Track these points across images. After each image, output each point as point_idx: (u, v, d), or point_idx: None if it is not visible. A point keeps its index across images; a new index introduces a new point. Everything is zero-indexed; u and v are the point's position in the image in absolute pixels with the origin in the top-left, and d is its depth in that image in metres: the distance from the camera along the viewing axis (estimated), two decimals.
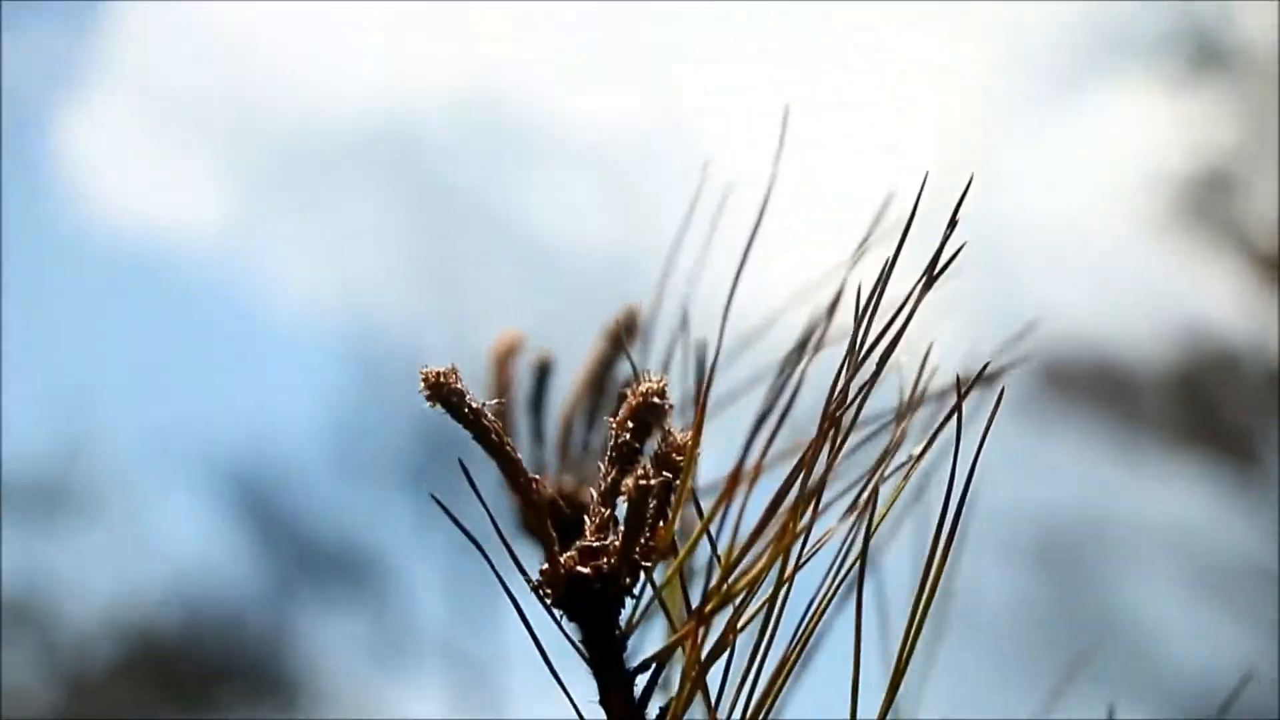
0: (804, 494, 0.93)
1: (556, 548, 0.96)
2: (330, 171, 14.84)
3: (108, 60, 14.59)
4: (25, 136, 14.39)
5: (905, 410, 1.00)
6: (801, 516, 0.92)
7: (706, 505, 0.98)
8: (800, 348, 1.03)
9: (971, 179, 1.07)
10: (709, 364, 1.02)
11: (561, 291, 14.45)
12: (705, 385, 1.02)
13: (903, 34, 14.13)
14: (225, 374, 14.75)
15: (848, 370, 0.96)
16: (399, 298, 14.14)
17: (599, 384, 1.20)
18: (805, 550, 0.94)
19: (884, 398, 1.02)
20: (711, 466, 1.09)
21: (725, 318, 1.09)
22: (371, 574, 12.76)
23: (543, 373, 1.20)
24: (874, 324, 0.98)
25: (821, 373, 1.19)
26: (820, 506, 0.94)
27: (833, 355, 1.18)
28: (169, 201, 14.45)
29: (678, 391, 1.11)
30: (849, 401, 0.96)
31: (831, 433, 0.96)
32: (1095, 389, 10.63)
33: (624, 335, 1.20)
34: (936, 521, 0.95)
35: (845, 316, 1.05)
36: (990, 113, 14.04)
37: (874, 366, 0.97)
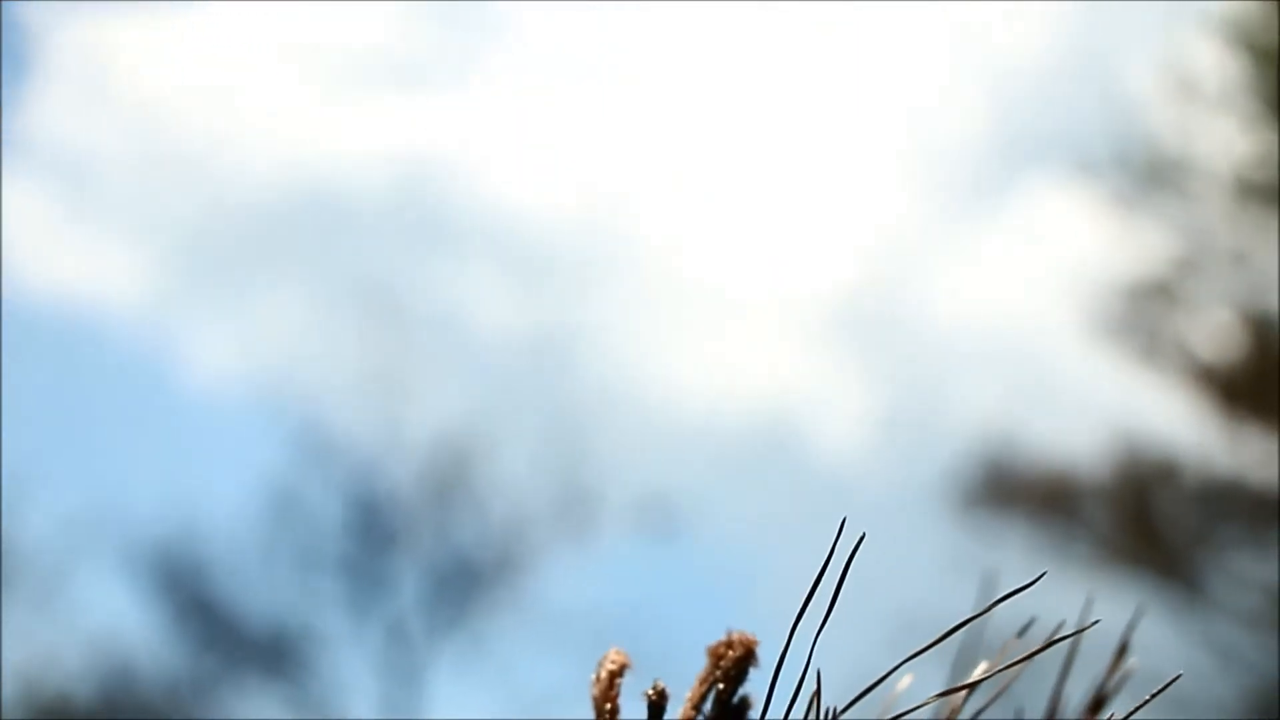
0: None
1: None
2: (254, 246, 14.73)
3: (27, 135, 14.44)
4: None
5: None
6: None
7: None
8: None
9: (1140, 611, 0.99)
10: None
11: (485, 369, 14.38)
12: None
13: (846, 132, 14.17)
14: (146, 449, 14.57)
15: None
16: (323, 373, 14.00)
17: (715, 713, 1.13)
18: None
19: None
20: None
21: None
22: (295, 656, 12.57)
23: (658, 707, 1.13)
24: None
25: None
26: None
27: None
28: (89, 276, 14.29)
29: None
30: None
31: None
32: (1035, 497, 10.61)
33: (740, 668, 1.13)
34: None
35: None
36: (933, 217, 14.07)
37: None
